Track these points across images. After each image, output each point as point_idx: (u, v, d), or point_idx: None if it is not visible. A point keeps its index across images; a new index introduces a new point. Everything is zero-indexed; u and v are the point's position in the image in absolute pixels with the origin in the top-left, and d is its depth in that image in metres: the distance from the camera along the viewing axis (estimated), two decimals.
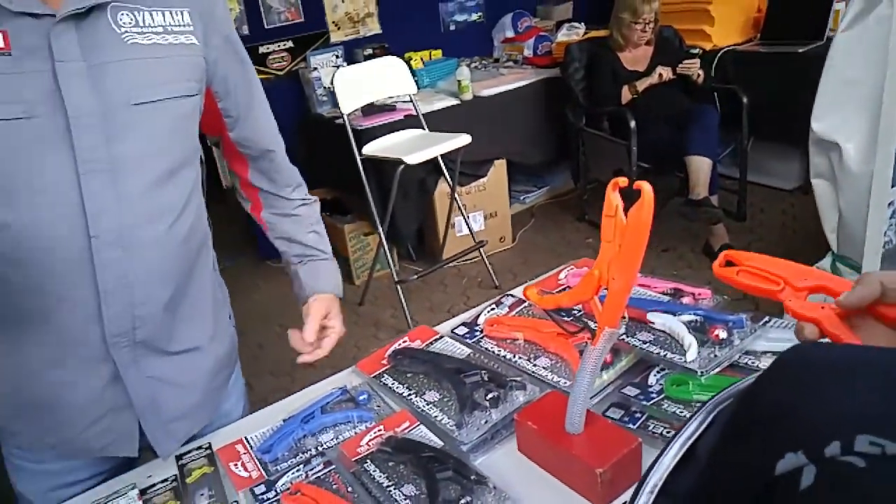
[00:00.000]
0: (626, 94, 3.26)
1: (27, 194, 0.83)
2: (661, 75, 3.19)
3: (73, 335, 0.91)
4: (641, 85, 3.23)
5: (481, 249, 3.22)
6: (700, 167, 3.06)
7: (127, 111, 0.86)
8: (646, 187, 0.73)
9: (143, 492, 0.97)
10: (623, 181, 0.78)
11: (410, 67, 3.38)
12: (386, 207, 3.04)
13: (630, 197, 0.77)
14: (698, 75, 3.27)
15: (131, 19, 0.87)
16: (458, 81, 3.46)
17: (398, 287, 3.05)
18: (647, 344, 1.02)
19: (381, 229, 3.05)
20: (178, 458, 1.02)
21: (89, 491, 1.01)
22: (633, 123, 3.10)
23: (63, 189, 0.84)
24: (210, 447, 1.04)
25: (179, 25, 0.91)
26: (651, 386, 0.97)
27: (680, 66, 3.24)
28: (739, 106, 3.27)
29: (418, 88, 3.28)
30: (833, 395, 0.37)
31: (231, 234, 4.57)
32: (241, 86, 1.05)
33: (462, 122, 3.23)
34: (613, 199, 0.78)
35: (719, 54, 3.60)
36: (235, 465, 0.99)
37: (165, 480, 0.99)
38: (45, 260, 0.85)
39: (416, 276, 3.15)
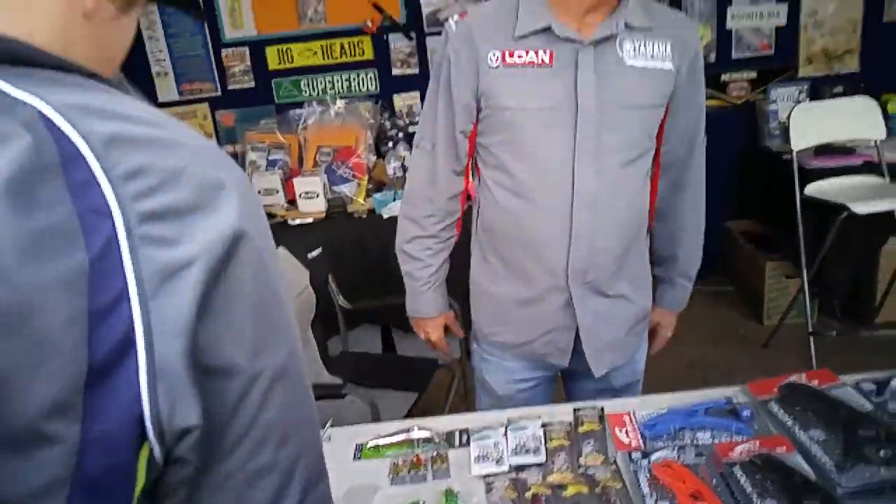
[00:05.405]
0: None
1: (541, 159, 1.21)
2: None
3: (548, 265, 1.27)
4: None
5: None
6: None
7: (618, 111, 1.19)
8: None
9: (544, 425, 1.22)
10: None
11: (884, 111, 3.04)
12: (816, 254, 2.84)
13: None
14: None
15: (631, 46, 1.19)
16: None
17: (811, 339, 2.84)
18: None
19: (804, 274, 2.87)
20: (575, 410, 1.26)
21: (508, 409, 1.32)
22: None
23: (562, 160, 1.20)
24: (602, 410, 1.24)
25: (662, 54, 1.20)
26: None
27: None
28: None
29: (888, 134, 2.94)
30: None
31: None
32: (692, 106, 1.29)
33: None
34: None
35: None
36: (620, 430, 1.18)
37: (562, 423, 1.23)
38: (542, 206, 1.24)
39: (834, 333, 2.89)
